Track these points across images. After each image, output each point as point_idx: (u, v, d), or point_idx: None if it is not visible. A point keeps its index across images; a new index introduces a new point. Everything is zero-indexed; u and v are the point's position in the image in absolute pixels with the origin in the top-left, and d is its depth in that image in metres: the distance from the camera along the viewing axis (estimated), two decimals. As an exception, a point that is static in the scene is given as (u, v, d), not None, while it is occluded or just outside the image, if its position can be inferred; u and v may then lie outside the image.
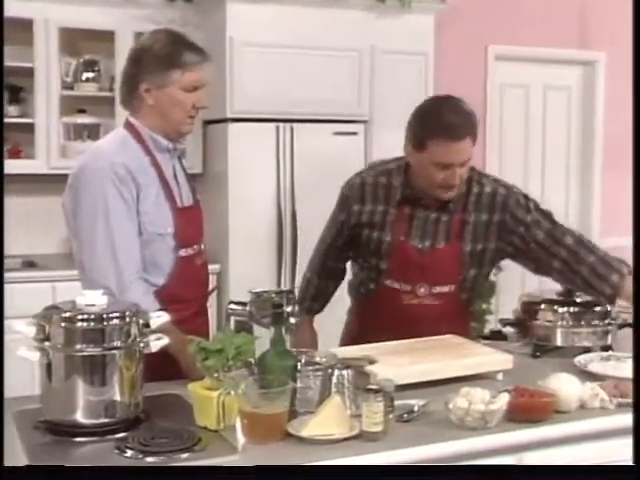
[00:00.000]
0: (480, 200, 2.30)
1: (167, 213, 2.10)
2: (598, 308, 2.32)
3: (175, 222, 2.11)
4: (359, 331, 2.43)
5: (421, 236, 2.29)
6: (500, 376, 2.05)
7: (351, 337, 2.46)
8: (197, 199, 2.27)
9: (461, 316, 2.41)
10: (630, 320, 2.46)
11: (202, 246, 2.24)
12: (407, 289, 2.30)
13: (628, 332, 2.38)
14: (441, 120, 2.15)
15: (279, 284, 4.22)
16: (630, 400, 1.88)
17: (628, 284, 2.17)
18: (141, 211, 2.06)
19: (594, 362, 2.16)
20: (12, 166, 3.90)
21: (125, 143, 2.11)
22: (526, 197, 2.37)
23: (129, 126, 2.15)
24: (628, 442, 1.83)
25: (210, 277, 2.35)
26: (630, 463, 1.74)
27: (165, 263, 2.10)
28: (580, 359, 2.16)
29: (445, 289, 2.31)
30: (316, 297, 2.57)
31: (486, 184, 2.32)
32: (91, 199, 2.03)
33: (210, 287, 2.35)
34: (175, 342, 1.85)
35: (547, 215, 2.35)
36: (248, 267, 4.16)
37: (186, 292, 2.13)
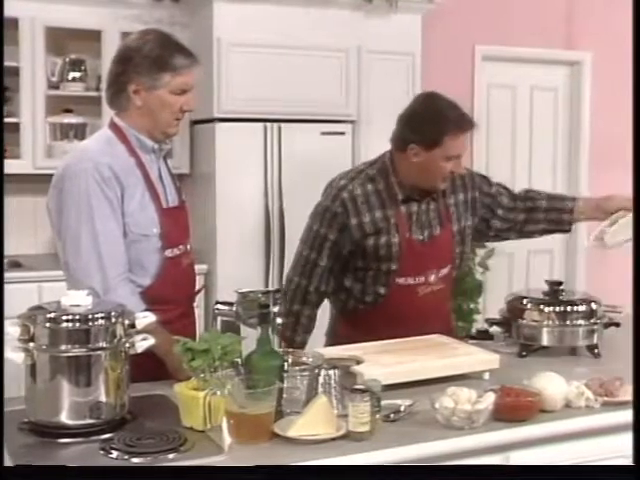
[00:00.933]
0: (455, 182, 2.46)
1: (152, 214, 2.09)
2: (584, 307, 2.33)
3: (161, 223, 2.10)
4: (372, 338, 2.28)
5: (420, 228, 2.40)
6: (487, 376, 2.06)
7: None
8: (183, 199, 2.26)
9: (451, 293, 2.60)
10: (615, 320, 2.49)
11: (188, 246, 2.23)
12: (421, 280, 2.39)
13: (613, 331, 2.40)
14: (452, 116, 2.29)
15: (267, 284, 4.22)
16: (615, 399, 1.89)
17: (580, 201, 2.67)
18: (126, 212, 2.05)
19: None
20: (-3, 166, 3.87)
21: (110, 144, 2.11)
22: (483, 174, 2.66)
23: (114, 126, 2.14)
24: (613, 440, 1.85)
25: (197, 277, 2.35)
26: (623, 462, 1.75)
27: (151, 264, 2.09)
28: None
29: (446, 271, 2.44)
30: (309, 329, 2.46)
31: None
32: (75, 200, 2.02)
33: (197, 288, 2.34)
34: (161, 343, 1.85)
35: (500, 184, 2.64)
36: (236, 267, 4.15)
37: (172, 293, 2.13)
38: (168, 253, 2.12)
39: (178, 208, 2.22)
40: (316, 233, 2.41)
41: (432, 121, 2.28)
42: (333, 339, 2.49)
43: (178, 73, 2.07)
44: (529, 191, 2.66)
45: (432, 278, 2.40)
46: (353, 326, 2.44)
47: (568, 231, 2.68)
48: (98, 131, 2.26)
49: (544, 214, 2.58)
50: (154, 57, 2.06)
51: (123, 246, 2.05)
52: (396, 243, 2.35)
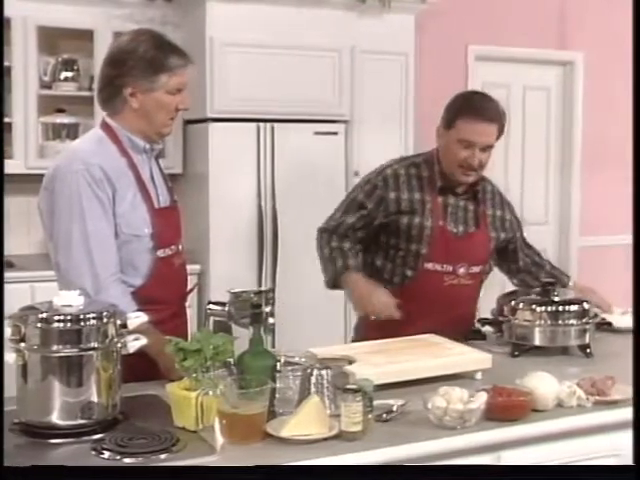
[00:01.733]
0: (493, 197, 2.59)
1: (144, 214, 2.09)
2: (576, 307, 2.33)
3: (152, 223, 2.09)
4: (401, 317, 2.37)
5: (455, 221, 2.48)
6: (479, 375, 2.06)
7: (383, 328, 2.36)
8: (175, 200, 2.26)
9: (478, 295, 2.63)
10: (607, 319, 2.50)
11: (180, 247, 2.23)
12: (449, 270, 2.44)
13: (605, 330, 2.42)
14: (471, 102, 2.46)
15: (260, 284, 4.21)
16: (607, 398, 1.90)
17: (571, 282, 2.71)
18: (117, 213, 2.05)
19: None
20: (-11, 166, 3.86)
21: (101, 144, 2.10)
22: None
23: (105, 126, 2.13)
24: (605, 439, 1.86)
25: (190, 277, 2.34)
26: (615, 460, 1.76)
27: (142, 264, 2.09)
28: None
29: (477, 269, 2.51)
30: (346, 255, 2.49)
31: (487, 181, 2.62)
32: (67, 201, 2.02)
33: (189, 288, 2.34)
34: (153, 343, 1.84)
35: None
36: (229, 267, 4.15)
37: (164, 293, 2.12)
38: (160, 253, 2.12)
39: (170, 208, 2.21)
40: (352, 199, 2.54)
41: (452, 103, 2.46)
42: (361, 326, 2.58)
43: (174, 73, 2.07)
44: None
45: (461, 271, 2.45)
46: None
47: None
48: (89, 131, 2.25)
49: (543, 274, 2.66)
50: (149, 59, 2.05)
51: (115, 247, 2.04)
52: (428, 227, 2.44)
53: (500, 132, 2.45)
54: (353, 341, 2.56)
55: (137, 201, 2.08)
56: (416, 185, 2.48)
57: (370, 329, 2.44)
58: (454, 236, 2.46)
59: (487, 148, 2.42)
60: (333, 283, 2.50)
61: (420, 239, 2.44)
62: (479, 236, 2.51)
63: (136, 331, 1.76)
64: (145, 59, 2.05)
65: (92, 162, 2.03)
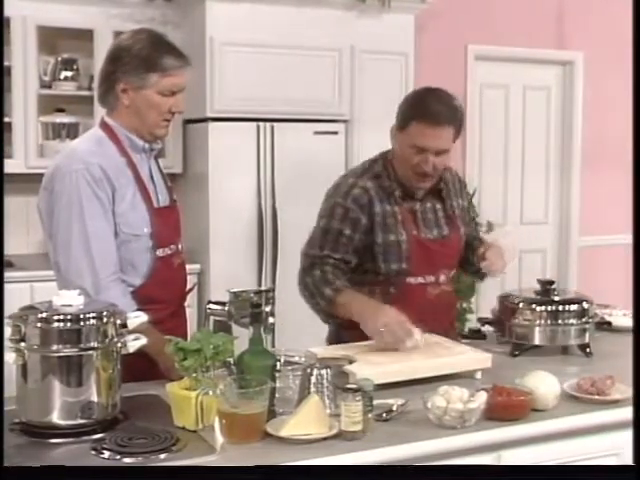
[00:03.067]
0: (454, 185, 2.47)
1: (143, 213, 2.09)
2: (575, 307, 2.33)
3: (152, 223, 2.09)
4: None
5: (427, 227, 2.37)
6: (479, 375, 2.06)
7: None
8: (174, 199, 2.26)
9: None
10: (608, 318, 2.50)
11: (179, 246, 2.23)
12: (432, 280, 2.35)
13: (605, 329, 2.41)
14: (423, 104, 2.27)
15: (259, 284, 4.21)
16: (607, 398, 1.89)
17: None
18: (117, 212, 2.05)
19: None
20: (-11, 165, 3.86)
21: (101, 143, 2.10)
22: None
23: (104, 126, 2.14)
24: (605, 439, 1.86)
25: (190, 277, 2.34)
26: (615, 460, 1.76)
27: (142, 263, 2.09)
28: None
29: (452, 273, 2.44)
30: (331, 281, 2.27)
31: (447, 170, 2.45)
32: (66, 200, 2.02)
33: (188, 287, 2.34)
34: (153, 342, 1.84)
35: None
36: (229, 267, 4.15)
37: (163, 292, 2.12)
38: (159, 253, 2.12)
39: (169, 208, 2.21)
40: (326, 229, 2.31)
41: (405, 104, 2.32)
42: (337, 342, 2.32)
43: (167, 74, 2.06)
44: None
45: (442, 278, 2.37)
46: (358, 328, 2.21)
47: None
48: (89, 131, 2.25)
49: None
50: (143, 57, 2.05)
51: (114, 246, 2.04)
52: (404, 241, 2.31)
53: (457, 132, 2.28)
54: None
55: (136, 200, 2.08)
56: (383, 198, 2.31)
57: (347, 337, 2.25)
58: (431, 242, 2.34)
59: (442, 152, 2.25)
60: (328, 312, 2.28)
61: (399, 256, 2.29)
62: (453, 237, 2.40)
63: (136, 331, 1.76)
64: (139, 57, 2.05)
65: (92, 161, 2.03)
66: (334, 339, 2.40)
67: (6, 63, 4.02)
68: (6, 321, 1.67)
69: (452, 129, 2.25)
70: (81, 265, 2.00)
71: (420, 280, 2.33)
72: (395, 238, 2.31)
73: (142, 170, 2.14)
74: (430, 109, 2.23)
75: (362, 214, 2.30)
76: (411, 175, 2.29)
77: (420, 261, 2.32)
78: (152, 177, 2.17)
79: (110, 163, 2.06)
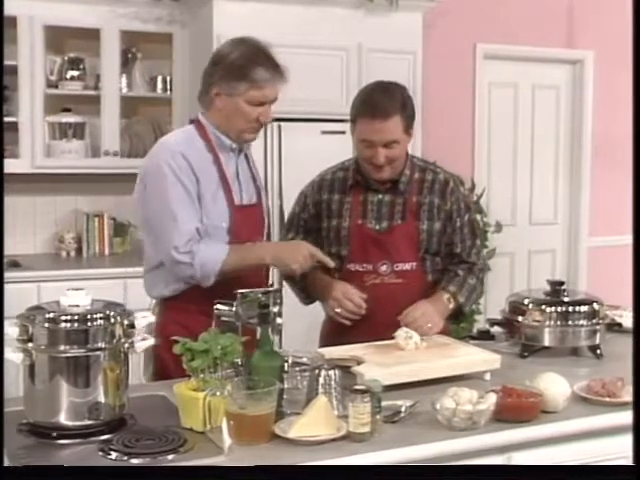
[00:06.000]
0: (434, 186, 2.45)
1: (223, 208, 2.19)
2: (586, 308, 2.32)
3: (230, 218, 2.18)
4: (332, 324, 2.42)
5: (377, 218, 2.41)
6: (488, 376, 2.05)
7: (326, 331, 2.51)
8: (260, 199, 2.34)
9: (420, 294, 2.38)
10: (617, 320, 2.48)
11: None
12: (369, 269, 2.38)
13: (615, 330, 2.39)
14: (367, 99, 2.34)
15: (267, 284, 4.19)
16: (617, 399, 1.88)
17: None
18: (200, 201, 2.15)
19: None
20: (-4, 165, 3.86)
21: (190, 138, 2.22)
22: (467, 204, 2.52)
23: (197, 123, 2.25)
24: (615, 441, 1.84)
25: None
26: (625, 462, 1.74)
27: None
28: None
29: (407, 267, 2.40)
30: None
31: (440, 173, 2.49)
32: (156, 189, 2.13)
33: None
34: (264, 252, 2.19)
35: (473, 232, 2.50)
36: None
37: (236, 286, 2.12)
38: None
39: (253, 206, 2.30)
40: (291, 214, 2.57)
41: (353, 101, 2.39)
42: (322, 324, 2.55)
43: (257, 85, 2.17)
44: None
45: (383, 269, 2.38)
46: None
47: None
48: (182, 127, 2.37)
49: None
50: (236, 66, 2.16)
51: (199, 224, 2.15)
52: (345, 227, 2.41)
53: (407, 122, 2.30)
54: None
55: (218, 197, 2.18)
56: (338, 187, 2.45)
57: (325, 336, 2.49)
58: (375, 233, 2.39)
59: (392, 143, 2.29)
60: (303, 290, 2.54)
61: (339, 241, 2.41)
62: (404, 228, 2.39)
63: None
64: (233, 65, 2.17)
65: (176, 150, 2.15)
66: (327, 325, 2.51)
67: (13, 62, 4.03)
68: (13, 321, 1.67)
69: (399, 120, 2.29)
70: (170, 229, 2.11)
71: (358, 268, 2.39)
72: (337, 224, 2.42)
73: (228, 168, 2.23)
74: (373, 103, 2.30)
75: (311, 198, 2.48)
76: (367, 167, 2.38)
77: (358, 249, 2.40)
78: (238, 175, 2.26)
79: (195, 156, 2.16)
